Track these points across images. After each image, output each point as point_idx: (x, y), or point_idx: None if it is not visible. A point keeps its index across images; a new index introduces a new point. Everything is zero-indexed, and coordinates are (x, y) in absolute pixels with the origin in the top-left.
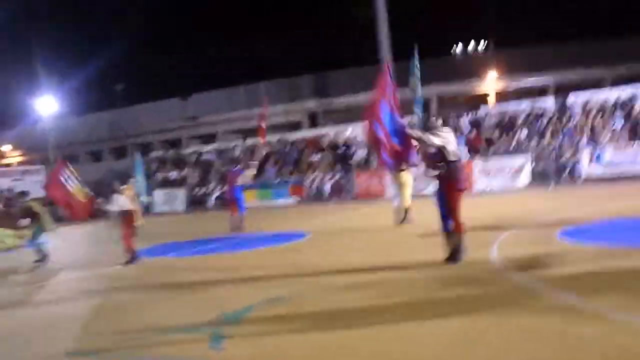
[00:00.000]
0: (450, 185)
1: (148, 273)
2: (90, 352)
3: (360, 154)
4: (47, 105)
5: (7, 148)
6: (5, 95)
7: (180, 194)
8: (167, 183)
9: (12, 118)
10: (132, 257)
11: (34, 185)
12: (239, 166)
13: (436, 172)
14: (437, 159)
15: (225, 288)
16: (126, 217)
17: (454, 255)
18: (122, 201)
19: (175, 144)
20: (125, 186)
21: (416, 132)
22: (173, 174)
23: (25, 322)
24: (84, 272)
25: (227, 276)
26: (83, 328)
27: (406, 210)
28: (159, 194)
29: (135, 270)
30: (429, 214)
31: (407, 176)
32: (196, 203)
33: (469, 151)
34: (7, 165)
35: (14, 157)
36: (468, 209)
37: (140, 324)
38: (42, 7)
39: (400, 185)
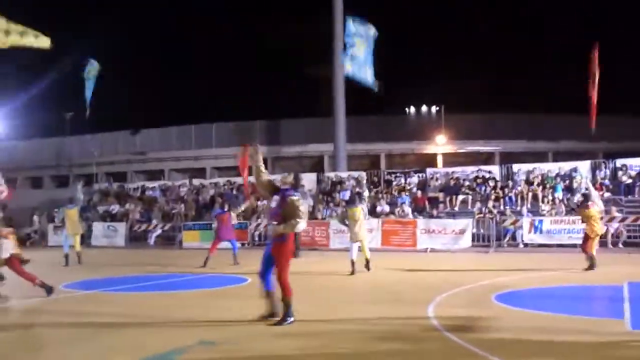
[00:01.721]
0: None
1: (75, 309)
2: None
3: (307, 203)
4: None
5: None
6: None
7: (121, 228)
8: (108, 216)
9: None
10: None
11: None
12: (224, 209)
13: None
14: (278, 218)
15: (155, 328)
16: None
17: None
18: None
19: (120, 177)
20: (8, 229)
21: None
22: (115, 208)
23: None
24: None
25: (159, 315)
26: None
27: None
28: (98, 227)
29: (59, 302)
30: (380, 268)
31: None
32: (137, 239)
33: (414, 210)
34: None
35: None
36: (409, 266)
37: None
38: None
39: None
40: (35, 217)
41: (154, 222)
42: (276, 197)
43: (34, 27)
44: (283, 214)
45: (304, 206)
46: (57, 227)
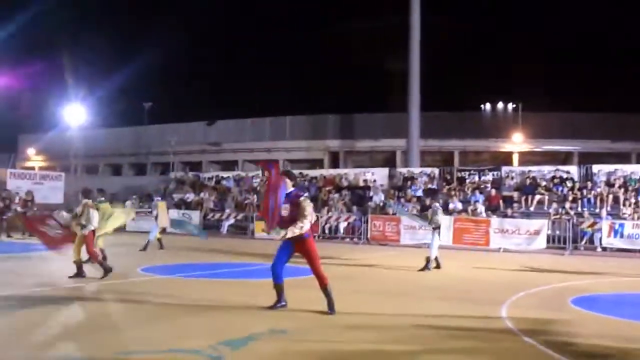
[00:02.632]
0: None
1: (153, 291)
2: None
3: (377, 198)
4: (75, 114)
5: (31, 152)
6: (38, 101)
7: (195, 216)
8: (183, 204)
9: (43, 124)
10: (107, 269)
11: (52, 191)
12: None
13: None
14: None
15: (229, 314)
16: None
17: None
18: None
19: (195, 167)
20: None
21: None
22: (190, 196)
23: (19, 320)
24: (72, 283)
25: (232, 302)
26: (75, 337)
27: (429, 259)
28: (174, 214)
29: (137, 284)
30: (450, 267)
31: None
32: (210, 227)
33: (487, 209)
34: (30, 168)
35: (37, 161)
36: (482, 265)
37: (139, 340)
38: (77, 16)
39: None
40: (129, 202)
41: (227, 211)
42: (285, 205)
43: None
44: (297, 215)
45: (311, 205)
46: (149, 218)
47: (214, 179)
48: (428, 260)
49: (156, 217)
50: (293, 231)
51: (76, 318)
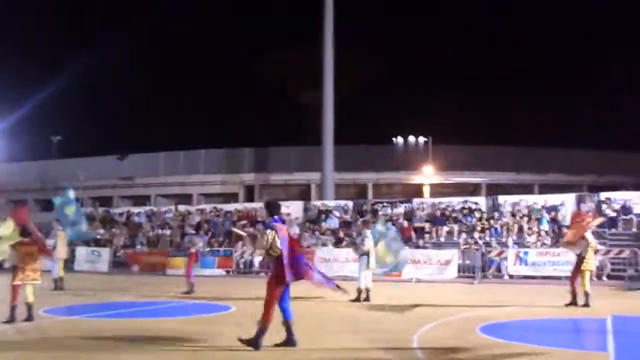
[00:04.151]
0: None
1: (56, 332)
2: None
3: (292, 231)
4: None
5: None
6: None
7: (105, 253)
8: (92, 241)
9: None
10: (12, 316)
11: None
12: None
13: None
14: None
15: (138, 355)
16: (13, 271)
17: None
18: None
19: (106, 202)
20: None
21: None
22: (100, 232)
23: None
24: None
25: (142, 342)
26: None
27: (360, 291)
28: (82, 252)
29: (39, 329)
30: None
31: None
32: (120, 264)
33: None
34: None
35: None
36: (395, 296)
37: None
38: None
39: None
40: None
41: (139, 247)
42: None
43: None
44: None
45: (268, 236)
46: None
47: (125, 215)
48: (359, 290)
49: (54, 248)
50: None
51: None
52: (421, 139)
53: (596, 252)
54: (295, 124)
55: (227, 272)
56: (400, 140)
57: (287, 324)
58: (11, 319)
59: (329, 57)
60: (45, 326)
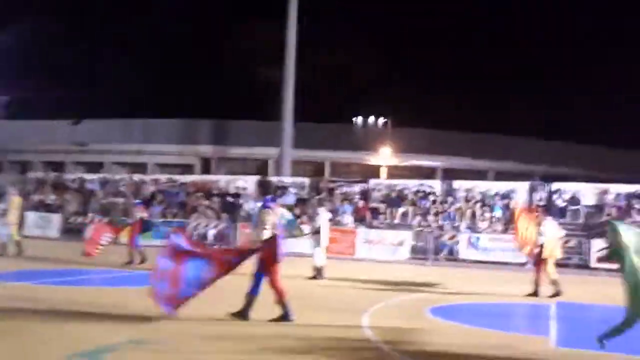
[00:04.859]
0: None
1: (5, 299)
2: None
3: (248, 206)
4: None
5: None
6: None
7: (56, 219)
8: (43, 206)
9: None
10: None
11: None
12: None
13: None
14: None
15: (85, 324)
16: None
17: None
18: None
19: (58, 167)
20: None
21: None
22: (51, 198)
23: None
24: None
25: (88, 312)
26: None
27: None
28: (31, 216)
29: None
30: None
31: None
32: (72, 231)
33: (355, 220)
34: None
35: None
36: (347, 275)
37: None
38: None
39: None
40: None
41: (91, 215)
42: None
43: None
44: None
45: (270, 216)
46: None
47: (78, 181)
48: (315, 268)
49: (4, 212)
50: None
51: None
52: (380, 120)
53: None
54: (256, 98)
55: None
56: (359, 120)
57: (251, 298)
58: None
59: (292, 33)
60: None
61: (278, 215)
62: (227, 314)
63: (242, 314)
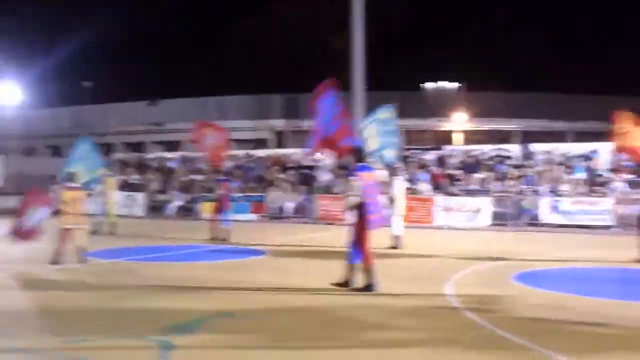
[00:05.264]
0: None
1: (97, 275)
2: (32, 350)
3: (324, 177)
4: (10, 93)
5: None
6: None
7: (140, 198)
8: (127, 186)
9: None
10: (57, 259)
11: None
12: (227, 177)
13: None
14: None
15: (175, 298)
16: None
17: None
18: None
19: (138, 147)
20: (66, 184)
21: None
22: (134, 178)
23: None
24: (25, 268)
25: (178, 286)
26: (25, 325)
27: (395, 237)
28: (118, 196)
29: (83, 271)
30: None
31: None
32: (155, 209)
33: (433, 187)
34: None
35: None
36: (427, 243)
37: (86, 325)
38: None
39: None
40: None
41: (172, 193)
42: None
43: None
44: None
45: (356, 182)
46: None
47: (158, 160)
48: (394, 237)
49: (102, 193)
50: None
51: (23, 304)
52: (453, 85)
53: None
54: (325, 69)
55: (260, 217)
56: (431, 86)
57: (351, 267)
58: (57, 262)
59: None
60: (89, 268)
61: (370, 181)
62: (329, 284)
63: (345, 284)
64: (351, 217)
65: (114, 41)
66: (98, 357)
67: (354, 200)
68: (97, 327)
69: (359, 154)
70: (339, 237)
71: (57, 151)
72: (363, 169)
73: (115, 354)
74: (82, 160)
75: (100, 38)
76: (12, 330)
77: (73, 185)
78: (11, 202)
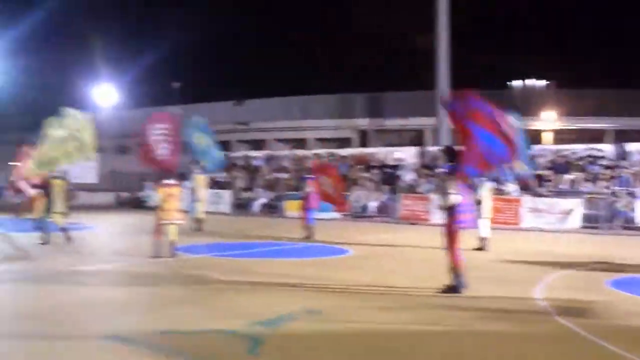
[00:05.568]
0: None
1: (187, 270)
2: (125, 339)
3: (408, 177)
4: (106, 95)
5: None
6: (69, 83)
7: (226, 195)
8: (214, 184)
9: (75, 105)
10: (156, 252)
11: (86, 170)
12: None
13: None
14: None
15: (263, 294)
16: (156, 213)
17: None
18: (156, 197)
19: (224, 146)
20: (165, 182)
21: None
22: (221, 176)
23: (61, 303)
24: (120, 261)
25: (266, 282)
26: (118, 316)
27: (482, 239)
28: (207, 194)
29: (174, 265)
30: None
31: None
32: (241, 206)
33: (520, 188)
34: None
35: None
36: (514, 245)
37: (176, 319)
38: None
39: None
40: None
41: (257, 190)
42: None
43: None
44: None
45: (454, 181)
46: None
47: (244, 158)
48: (481, 239)
49: (192, 190)
50: (443, 200)
51: (117, 296)
52: (541, 83)
53: None
54: (408, 68)
55: (343, 215)
56: (518, 84)
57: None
58: (156, 255)
59: None
60: (182, 263)
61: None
62: (437, 290)
63: (453, 289)
64: (445, 216)
65: (202, 43)
66: (190, 349)
67: (454, 199)
68: (189, 320)
69: (451, 153)
70: (423, 236)
71: None
72: (454, 168)
73: (206, 347)
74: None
75: (189, 41)
76: (111, 321)
77: (169, 182)
78: (105, 198)
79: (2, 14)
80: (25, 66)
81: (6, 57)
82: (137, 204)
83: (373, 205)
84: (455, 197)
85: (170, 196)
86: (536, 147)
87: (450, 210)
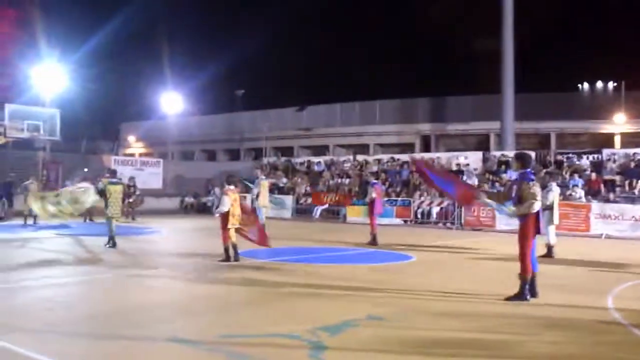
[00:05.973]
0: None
1: (251, 274)
2: (190, 342)
3: (471, 182)
4: (172, 102)
5: (132, 139)
6: (137, 93)
7: (289, 200)
8: (276, 189)
9: (143, 112)
10: (227, 256)
11: (151, 176)
12: (379, 181)
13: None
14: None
15: (325, 299)
16: (223, 217)
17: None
18: (224, 201)
19: (286, 152)
20: (230, 187)
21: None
22: (283, 181)
23: (129, 304)
24: (186, 264)
25: (328, 287)
26: (183, 318)
27: (549, 246)
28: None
29: (237, 269)
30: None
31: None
32: (302, 211)
33: (587, 193)
34: (131, 155)
35: (137, 148)
36: (583, 252)
37: (239, 322)
38: (174, 9)
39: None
40: (217, 189)
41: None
42: (514, 187)
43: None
44: (520, 197)
45: (537, 187)
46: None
47: (306, 164)
48: (548, 246)
49: (257, 196)
50: (519, 209)
51: (182, 299)
52: (610, 85)
53: None
54: (470, 72)
55: (405, 221)
56: (587, 86)
57: (533, 276)
58: (224, 259)
59: (509, 1)
60: (246, 267)
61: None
62: (503, 297)
63: (519, 296)
64: (521, 222)
65: (265, 51)
66: (252, 353)
67: (538, 205)
68: (252, 324)
69: (525, 159)
70: (488, 243)
71: (211, 155)
72: (532, 175)
73: (268, 352)
74: None
75: (251, 49)
76: (174, 324)
77: (232, 187)
78: (170, 203)
79: (75, 27)
80: (95, 75)
81: (79, 67)
82: (202, 209)
83: (435, 210)
84: (539, 204)
85: (235, 201)
86: (606, 151)
87: (527, 217)
